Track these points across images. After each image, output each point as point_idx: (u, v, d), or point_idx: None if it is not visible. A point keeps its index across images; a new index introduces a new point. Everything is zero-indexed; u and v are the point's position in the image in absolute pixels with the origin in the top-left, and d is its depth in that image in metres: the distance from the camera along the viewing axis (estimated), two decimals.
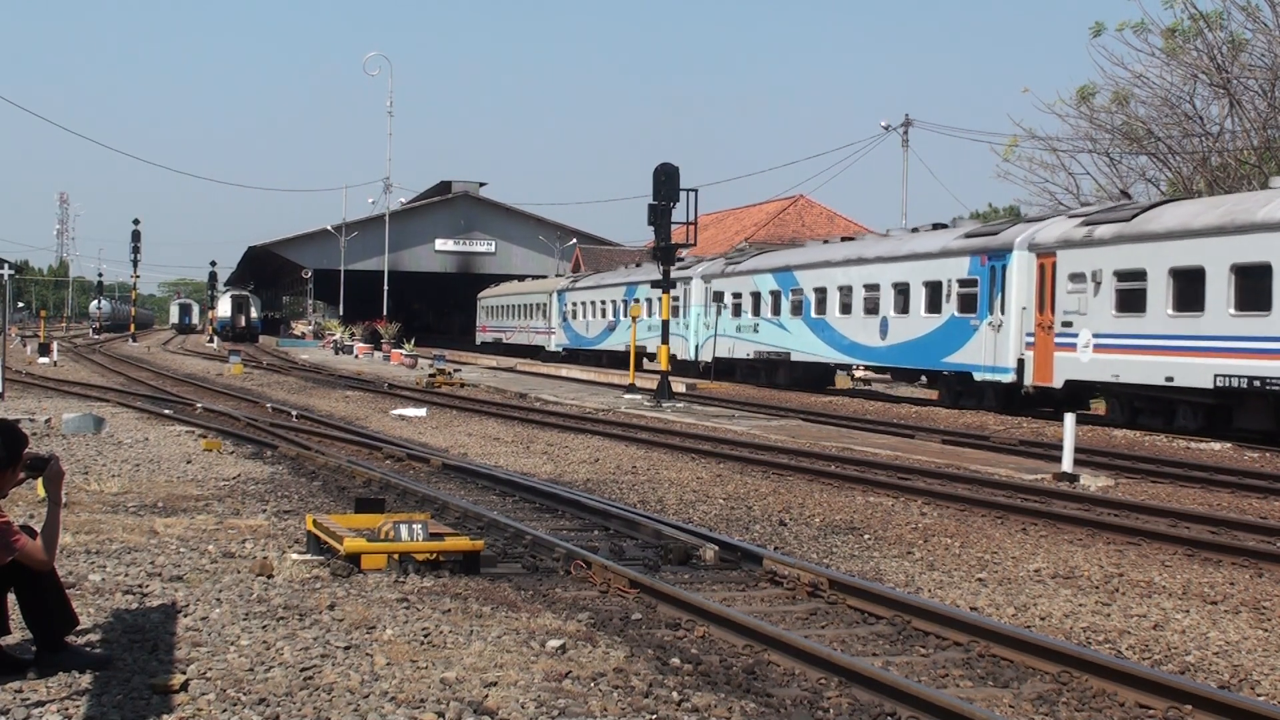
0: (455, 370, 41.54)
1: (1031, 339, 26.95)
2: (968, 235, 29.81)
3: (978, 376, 28.40)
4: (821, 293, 35.43)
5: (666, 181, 30.15)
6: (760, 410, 28.13)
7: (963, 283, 29.08)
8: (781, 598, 9.00)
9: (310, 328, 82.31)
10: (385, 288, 74.47)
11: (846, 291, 34.18)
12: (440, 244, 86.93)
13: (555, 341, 59.75)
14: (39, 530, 6.33)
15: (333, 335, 67.27)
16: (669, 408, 28.15)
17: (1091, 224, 25.80)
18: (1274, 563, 10.72)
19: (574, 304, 56.81)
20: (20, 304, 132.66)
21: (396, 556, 9.12)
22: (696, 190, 31.53)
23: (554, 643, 7.17)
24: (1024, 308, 27.20)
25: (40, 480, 6.54)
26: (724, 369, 41.95)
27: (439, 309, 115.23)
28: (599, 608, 8.39)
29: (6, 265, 28.84)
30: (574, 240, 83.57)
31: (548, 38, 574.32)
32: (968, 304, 28.87)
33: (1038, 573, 10.27)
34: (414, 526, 9.30)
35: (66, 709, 5.75)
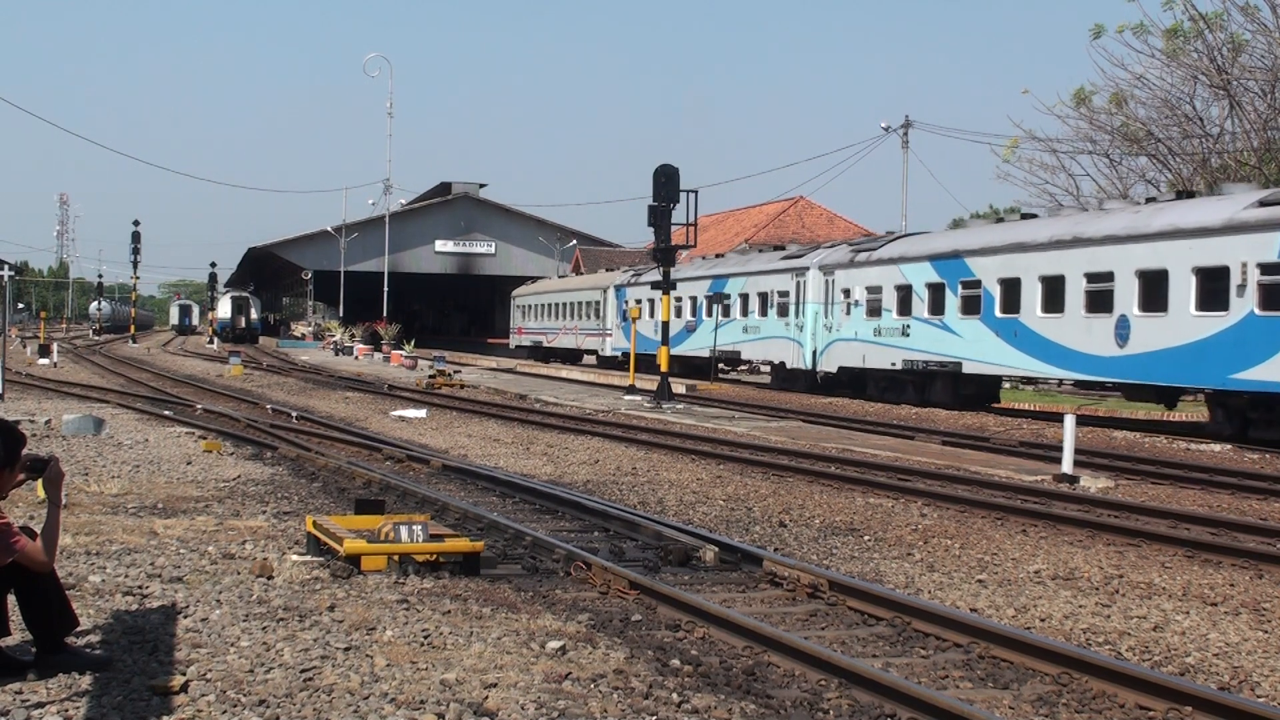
0: (455, 371, 41.56)
1: None
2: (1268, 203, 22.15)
3: None
4: (1011, 285, 27.67)
5: (666, 183, 30.16)
6: (760, 411, 28.14)
7: (1268, 268, 21.56)
8: (781, 599, 8.99)
9: (310, 329, 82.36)
10: (385, 289, 74.54)
11: (1054, 283, 26.48)
12: (440, 245, 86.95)
13: (612, 345, 52.06)
14: (39, 531, 6.33)
15: (333, 336, 67.33)
16: (669, 409, 28.15)
17: None
18: (1274, 564, 10.72)
19: (637, 300, 48.31)
20: (20, 305, 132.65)
21: (396, 558, 9.11)
22: (696, 191, 31.54)
23: (554, 644, 7.17)
24: None
25: (40, 481, 6.54)
26: (850, 381, 34.71)
27: (439, 310, 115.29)
28: (599, 609, 8.39)
29: (7, 266, 28.87)
30: (574, 241, 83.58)
31: (548, 38, 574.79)
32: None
33: (1038, 574, 10.26)
34: (414, 528, 9.29)
35: (66, 710, 5.75)
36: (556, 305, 60.54)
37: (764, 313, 38.89)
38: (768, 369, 43.62)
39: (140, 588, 8.33)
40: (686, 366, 44.38)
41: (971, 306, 29.04)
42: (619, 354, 50.57)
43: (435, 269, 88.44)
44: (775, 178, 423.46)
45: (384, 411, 26.41)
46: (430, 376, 37.69)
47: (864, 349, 33.14)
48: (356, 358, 57.45)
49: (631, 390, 33.04)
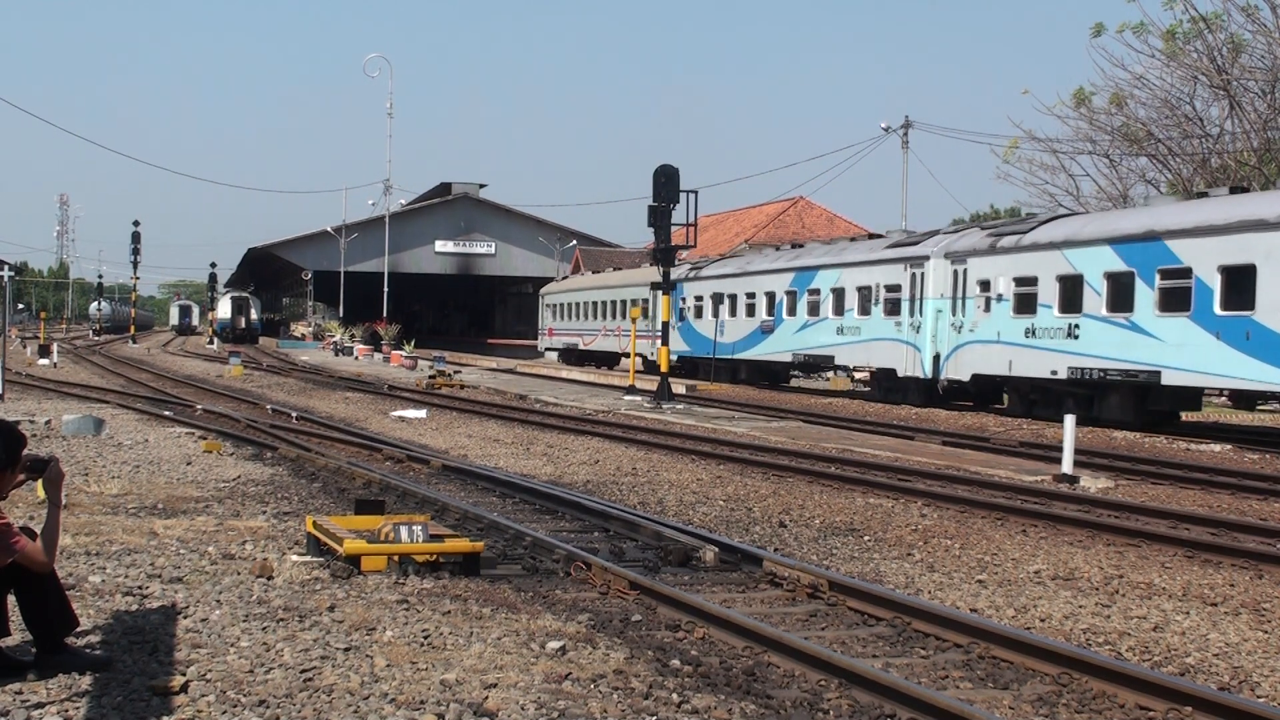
0: (455, 372, 41.57)
1: None
2: None
3: None
4: (1241, 274, 22.03)
5: (666, 183, 30.16)
6: (760, 411, 28.13)
7: None
8: (781, 599, 8.99)
9: (310, 329, 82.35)
10: (385, 289, 74.51)
11: None
12: (440, 245, 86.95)
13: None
14: (39, 532, 6.33)
15: (333, 337, 67.31)
16: (669, 409, 28.14)
17: None
18: (1274, 564, 10.72)
19: (699, 297, 42.98)
20: (20, 305, 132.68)
21: (396, 558, 9.12)
22: (696, 192, 31.50)
23: (554, 644, 7.17)
24: None
25: (40, 482, 6.54)
26: (985, 391, 29.94)
27: (439, 310, 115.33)
28: (599, 609, 8.39)
29: (7, 267, 28.84)
30: (574, 242, 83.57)
31: (548, 38, 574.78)
32: None
33: (1038, 574, 10.26)
34: (414, 528, 9.29)
35: (66, 710, 5.75)
36: (595, 304, 53.52)
37: (865, 310, 33.24)
38: (861, 376, 39.12)
39: (140, 588, 8.33)
40: (759, 372, 40.01)
41: (1176, 301, 23.30)
42: (674, 358, 43.07)
43: (435, 269, 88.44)
44: (775, 178, 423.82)
45: (384, 412, 26.41)
46: (430, 377, 37.69)
47: (1009, 353, 27.40)
48: (356, 358, 57.45)
49: (631, 390, 33.04)
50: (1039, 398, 27.25)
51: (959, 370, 29.24)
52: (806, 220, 70.31)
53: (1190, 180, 40.24)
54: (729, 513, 13.30)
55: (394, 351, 54.42)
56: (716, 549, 10.19)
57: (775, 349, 37.94)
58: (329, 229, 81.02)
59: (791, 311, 36.91)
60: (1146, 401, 24.73)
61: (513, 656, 6.92)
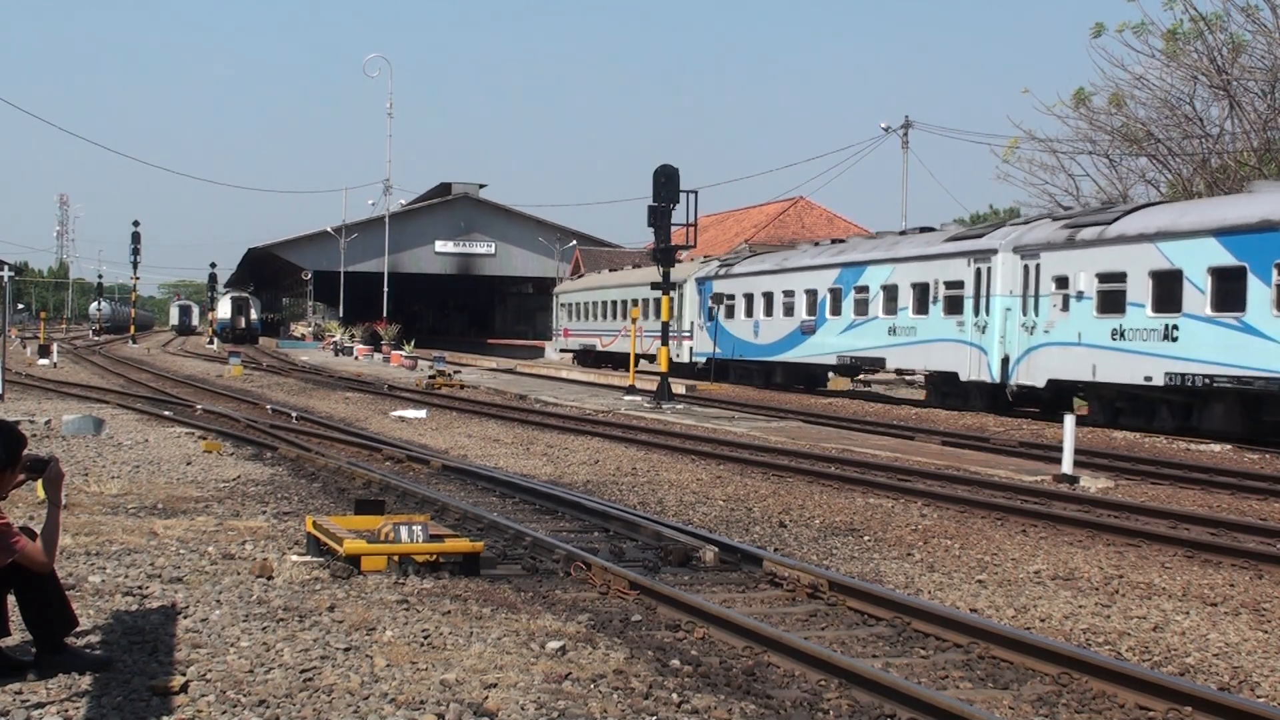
0: (455, 372, 41.56)
1: None
2: None
3: None
4: None
5: (666, 183, 30.17)
6: (760, 411, 28.13)
7: None
8: (781, 599, 8.99)
9: (310, 329, 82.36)
10: (385, 289, 74.53)
11: None
12: (440, 245, 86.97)
13: (694, 349, 43.54)
14: (39, 532, 6.33)
15: (333, 337, 67.33)
16: (669, 409, 28.15)
17: None
18: (1274, 564, 10.72)
19: (730, 295, 40.51)
20: (20, 305, 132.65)
21: (396, 558, 9.12)
22: (696, 192, 31.51)
23: (554, 644, 7.17)
24: None
25: (40, 482, 6.54)
26: (1059, 397, 27.15)
27: (439, 310, 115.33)
28: (599, 609, 8.39)
29: (6, 267, 28.82)
30: (574, 242, 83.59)
31: (548, 38, 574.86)
32: None
33: (1037, 574, 10.27)
34: (414, 528, 9.29)
35: (66, 710, 5.75)
36: (614, 303, 50.51)
37: (922, 309, 30.65)
38: (914, 379, 36.92)
39: (140, 588, 8.33)
40: (796, 375, 37.48)
41: None
42: (701, 360, 42.14)
43: (435, 269, 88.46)
44: (775, 178, 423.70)
45: (384, 412, 26.41)
46: (430, 377, 37.69)
47: (1093, 357, 24.99)
48: (356, 358, 57.46)
49: (631, 390, 33.04)
50: (1126, 405, 25.09)
51: (1032, 375, 26.54)
52: (806, 220, 70.33)
53: (1190, 181, 40.25)
54: (729, 513, 13.30)
55: (394, 351, 54.42)
56: (716, 549, 10.19)
57: (817, 351, 35.32)
58: (329, 229, 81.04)
59: (836, 311, 34.40)
60: (1262, 411, 22.44)
61: (513, 656, 6.93)
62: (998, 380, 27.68)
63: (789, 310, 36.89)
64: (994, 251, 27.97)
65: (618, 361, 49.49)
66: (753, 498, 14.39)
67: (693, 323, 43.26)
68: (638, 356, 48.43)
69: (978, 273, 28.50)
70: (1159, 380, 23.51)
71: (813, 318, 35.60)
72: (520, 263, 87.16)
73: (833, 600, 8.77)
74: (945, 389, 30.28)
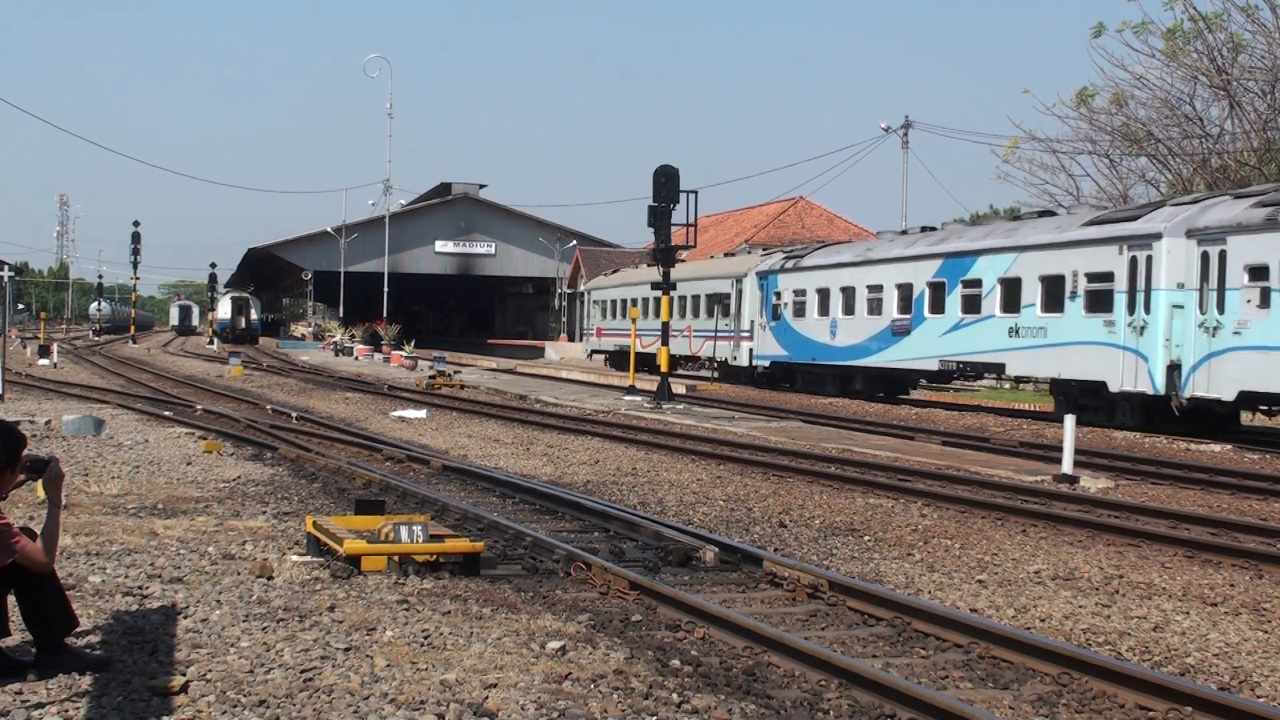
0: (455, 372, 41.55)
1: None
2: None
3: None
4: None
5: (666, 183, 30.16)
6: (760, 412, 28.12)
7: None
8: (781, 599, 8.99)
9: (310, 329, 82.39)
10: (385, 289, 74.53)
11: None
12: (440, 246, 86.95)
13: (753, 351, 38.66)
14: (39, 532, 6.33)
15: (333, 337, 67.34)
16: (669, 409, 28.15)
17: None
18: (1274, 564, 10.72)
19: (800, 291, 36.11)
20: (20, 306, 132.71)
21: (396, 558, 9.11)
22: (696, 192, 31.46)
23: (554, 644, 7.17)
24: None
25: (40, 482, 6.54)
26: (1251, 407, 23.73)
27: (439, 310, 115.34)
28: (599, 609, 8.39)
29: (7, 267, 28.83)
30: (574, 242, 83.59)
31: (548, 39, 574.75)
32: None
33: (1038, 574, 10.27)
34: (414, 528, 9.29)
35: (66, 710, 5.75)
36: (657, 300, 44.70)
37: (1054, 306, 26.07)
38: (1032, 385, 32.91)
39: (140, 588, 8.33)
40: (880, 382, 33.42)
41: None
42: (764, 363, 37.64)
43: (435, 269, 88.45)
44: (775, 178, 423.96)
45: (384, 412, 26.41)
46: (430, 377, 37.68)
47: None
48: (356, 358, 57.46)
49: (631, 390, 33.04)
50: None
51: (1215, 385, 22.18)
52: (806, 220, 70.33)
53: (1190, 181, 40.25)
54: (729, 513, 13.30)
55: (394, 352, 54.43)
56: (716, 549, 10.18)
57: (912, 354, 30.74)
58: (329, 229, 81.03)
59: (937, 308, 29.84)
60: None
61: (513, 656, 6.92)
62: (1161, 391, 23.24)
63: (875, 308, 32.38)
64: (1156, 236, 23.37)
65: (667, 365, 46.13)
66: (753, 498, 14.39)
67: (753, 322, 38.58)
68: (681, 359, 44.69)
69: (1133, 262, 23.86)
70: None
71: (907, 316, 31.03)
72: (520, 263, 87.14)
73: (833, 600, 8.77)
74: (1083, 400, 25.40)
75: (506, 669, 6.66)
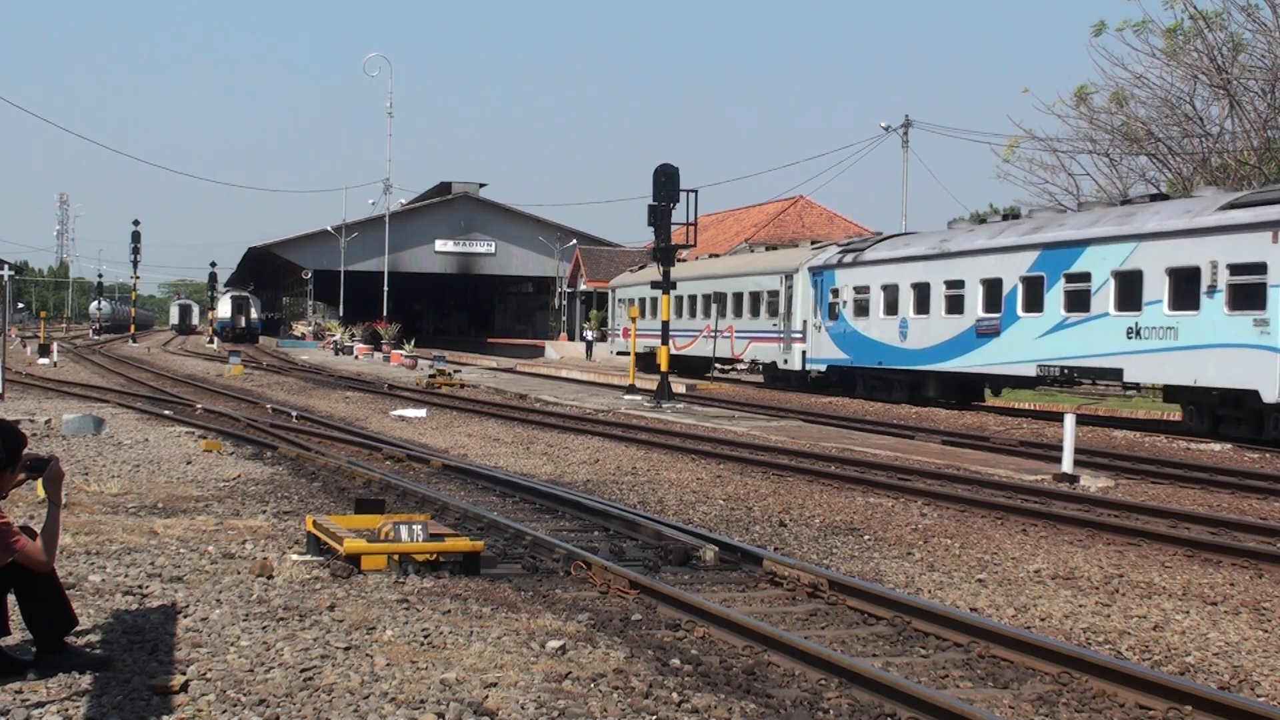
0: (455, 371, 41.55)
1: None
2: None
3: None
4: None
5: (666, 182, 30.16)
6: (760, 411, 28.11)
7: None
8: (781, 598, 8.99)
9: (310, 329, 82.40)
10: (385, 289, 74.53)
11: None
12: (440, 245, 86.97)
13: (806, 353, 35.46)
14: (39, 531, 6.33)
15: (333, 336, 67.32)
16: (669, 408, 28.15)
17: None
18: (1274, 563, 10.72)
19: (862, 288, 32.89)
20: (20, 305, 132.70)
21: (396, 557, 9.11)
22: (696, 191, 31.48)
23: (554, 643, 7.17)
24: None
25: (40, 481, 6.54)
26: None
27: (439, 310, 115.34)
28: (599, 608, 8.39)
29: (6, 266, 28.86)
30: (574, 241, 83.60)
31: (548, 38, 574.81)
32: None
33: (1038, 573, 10.26)
34: (414, 527, 9.29)
35: (66, 710, 5.74)
36: (694, 298, 42.33)
37: (1186, 303, 22.99)
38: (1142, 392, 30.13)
39: (140, 587, 8.33)
40: (955, 388, 30.41)
41: None
42: (820, 367, 34.52)
43: (435, 269, 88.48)
44: (775, 178, 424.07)
45: (384, 411, 26.40)
46: (430, 376, 37.67)
47: None
48: (356, 357, 57.46)
49: (631, 390, 33.04)
50: None
51: None
52: (806, 220, 70.36)
53: (1190, 180, 40.25)
54: (729, 512, 13.30)
55: (394, 351, 54.43)
56: (716, 548, 10.18)
57: (1001, 357, 27.45)
58: (329, 228, 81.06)
59: (1034, 306, 26.60)
60: None
61: (513, 656, 6.92)
62: None
63: (955, 305, 28.96)
64: None
65: (697, 367, 43.38)
66: (753, 497, 14.39)
67: (805, 322, 35.40)
68: (720, 361, 42.50)
69: None
70: None
71: (995, 315, 27.62)
72: (520, 262, 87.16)
73: (833, 599, 8.77)
74: (1222, 411, 22.75)
75: (506, 668, 6.66)
